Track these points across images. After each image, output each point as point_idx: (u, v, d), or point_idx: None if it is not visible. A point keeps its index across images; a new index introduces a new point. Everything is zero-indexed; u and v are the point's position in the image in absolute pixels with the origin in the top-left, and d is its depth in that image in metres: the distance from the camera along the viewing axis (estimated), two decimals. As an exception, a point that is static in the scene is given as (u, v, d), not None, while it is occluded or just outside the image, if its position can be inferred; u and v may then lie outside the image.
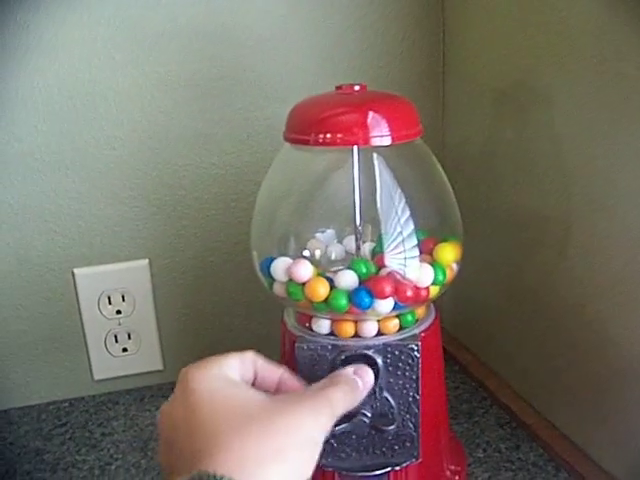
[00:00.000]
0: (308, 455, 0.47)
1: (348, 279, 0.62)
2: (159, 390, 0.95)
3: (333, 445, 0.67)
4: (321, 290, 0.62)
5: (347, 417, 0.64)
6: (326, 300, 0.62)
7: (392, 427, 0.65)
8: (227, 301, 0.96)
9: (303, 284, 0.63)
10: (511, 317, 0.86)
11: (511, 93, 0.80)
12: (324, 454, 0.67)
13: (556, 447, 0.76)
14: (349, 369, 0.58)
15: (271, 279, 0.66)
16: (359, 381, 0.57)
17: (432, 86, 0.96)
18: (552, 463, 0.75)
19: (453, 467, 0.73)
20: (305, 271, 0.62)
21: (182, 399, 0.50)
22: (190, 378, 0.50)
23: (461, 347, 0.99)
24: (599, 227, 0.68)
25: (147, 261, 0.91)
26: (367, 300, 0.61)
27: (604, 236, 0.68)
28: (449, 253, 0.65)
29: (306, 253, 0.65)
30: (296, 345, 0.64)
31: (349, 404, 0.54)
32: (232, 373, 0.52)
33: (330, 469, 0.67)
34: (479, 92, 0.86)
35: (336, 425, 0.64)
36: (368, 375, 0.58)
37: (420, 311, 0.67)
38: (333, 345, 0.64)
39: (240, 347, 0.96)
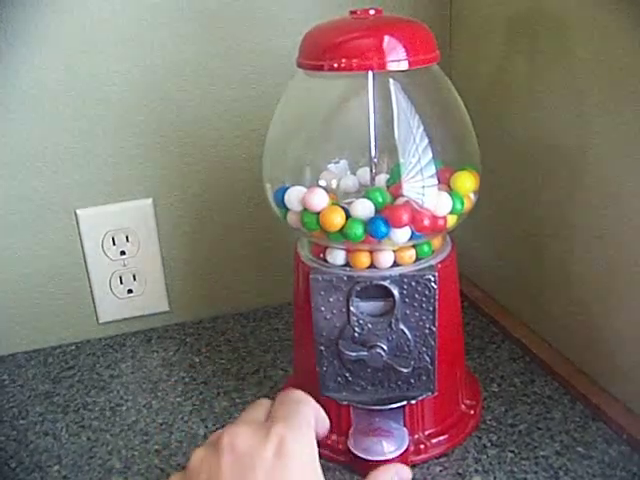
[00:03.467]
0: None
1: (364, 208, 0.61)
2: (166, 331, 0.94)
3: (348, 379, 0.66)
4: (337, 219, 0.60)
5: (364, 346, 0.64)
6: (341, 230, 0.61)
7: (408, 369, 0.64)
8: (233, 240, 0.94)
9: (318, 213, 0.61)
10: (524, 251, 0.85)
11: (524, 19, 0.77)
12: (340, 388, 0.67)
13: (572, 380, 0.76)
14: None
15: (285, 209, 0.64)
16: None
17: (438, 12, 0.92)
18: (568, 396, 0.75)
19: (468, 401, 0.73)
20: (320, 200, 0.61)
21: (273, 462, 0.42)
22: (236, 444, 0.43)
23: (470, 283, 0.98)
24: (616, 155, 0.67)
25: (151, 200, 0.89)
26: (383, 229, 0.60)
27: (621, 163, 0.66)
28: (467, 181, 0.63)
29: (322, 182, 0.64)
30: (310, 277, 0.63)
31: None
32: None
33: (345, 403, 0.66)
34: (489, 18, 0.83)
35: (353, 352, 0.63)
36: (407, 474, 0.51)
37: (437, 242, 0.66)
38: (348, 276, 0.63)
39: (245, 286, 0.97)
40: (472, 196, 0.65)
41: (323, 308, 0.64)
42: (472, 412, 0.72)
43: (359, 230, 0.60)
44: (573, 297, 0.77)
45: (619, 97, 0.65)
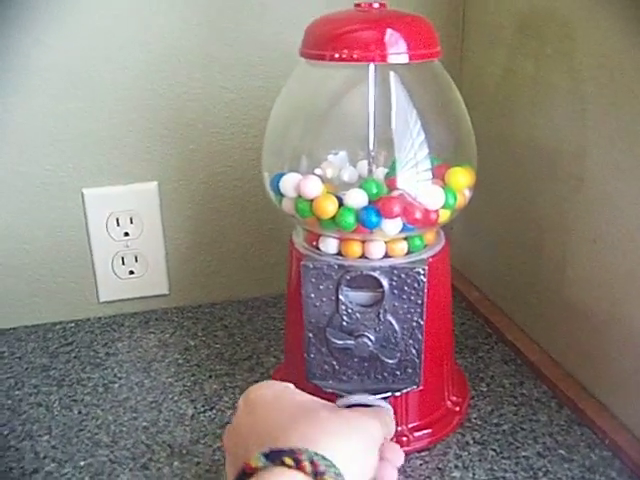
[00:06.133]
0: (370, 446, 0.48)
1: (357, 197, 0.61)
2: (164, 314, 0.95)
3: (335, 367, 0.67)
4: (329, 207, 0.61)
5: (351, 335, 0.64)
6: (334, 218, 0.61)
7: (394, 361, 0.65)
8: (235, 227, 0.95)
9: (312, 201, 0.62)
10: (520, 253, 0.85)
11: (533, 22, 0.77)
12: (326, 376, 0.67)
13: (560, 385, 0.76)
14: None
15: (280, 195, 0.65)
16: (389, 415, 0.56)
17: (453, 12, 0.93)
18: (555, 400, 0.75)
19: (455, 398, 0.73)
20: (314, 187, 0.62)
21: (245, 410, 0.51)
22: (251, 391, 0.52)
23: (468, 284, 0.98)
24: (612, 160, 0.67)
25: (156, 184, 0.90)
26: (374, 219, 0.60)
27: (617, 169, 0.66)
28: (461, 177, 0.64)
29: (317, 171, 0.64)
30: (302, 264, 0.64)
31: (389, 431, 0.54)
32: (290, 385, 0.54)
33: (330, 391, 0.67)
34: (500, 20, 0.84)
35: (340, 340, 0.64)
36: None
37: (429, 236, 0.67)
38: (339, 265, 0.63)
39: (246, 274, 0.97)
40: (466, 192, 0.66)
41: (313, 295, 0.65)
42: (457, 409, 0.72)
43: (351, 219, 0.61)
44: (566, 301, 0.77)
45: (619, 103, 0.65)
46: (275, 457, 0.42)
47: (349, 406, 0.57)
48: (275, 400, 0.50)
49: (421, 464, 0.66)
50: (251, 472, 0.42)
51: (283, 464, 0.41)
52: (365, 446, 0.47)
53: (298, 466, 0.41)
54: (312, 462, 0.41)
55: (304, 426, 0.46)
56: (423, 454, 0.68)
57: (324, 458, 0.42)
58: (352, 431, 0.47)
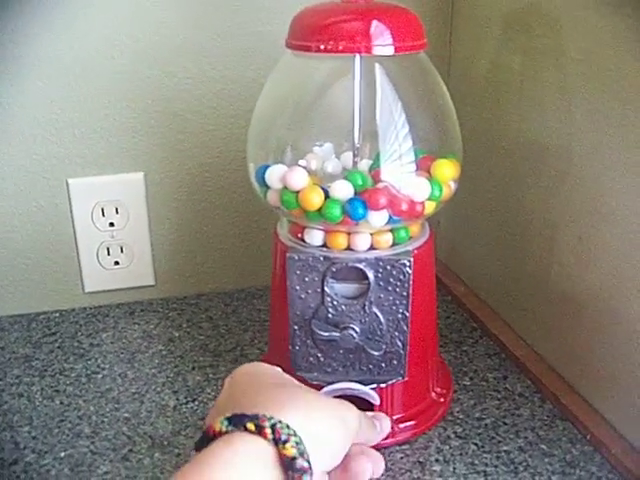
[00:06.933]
0: (338, 428, 0.47)
1: (343, 189, 0.61)
2: (150, 305, 0.95)
3: (320, 359, 0.67)
4: (315, 198, 0.61)
5: (336, 327, 0.64)
6: (320, 210, 0.61)
7: (379, 352, 0.65)
8: (221, 218, 0.95)
9: (297, 192, 0.62)
10: (507, 248, 0.85)
11: (521, 17, 0.77)
12: (311, 367, 0.67)
13: (544, 379, 0.76)
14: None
15: (265, 187, 0.65)
16: (378, 425, 0.55)
17: (442, 5, 0.93)
18: (538, 395, 0.75)
19: (439, 389, 0.73)
20: (300, 178, 0.61)
21: (227, 387, 0.50)
22: (237, 370, 0.52)
23: (455, 278, 0.98)
24: (598, 157, 0.67)
25: (142, 174, 0.90)
26: (361, 211, 0.60)
27: (605, 167, 0.66)
28: (446, 169, 0.64)
29: (302, 162, 0.64)
30: (287, 255, 0.64)
31: (369, 434, 0.53)
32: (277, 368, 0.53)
33: (316, 383, 0.67)
34: (489, 14, 0.84)
35: (325, 332, 0.64)
36: (386, 423, 0.56)
37: (414, 228, 0.67)
38: (325, 257, 0.63)
39: (231, 265, 0.97)
40: (452, 184, 0.66)
41: (298, 287, 0.65)
42: (442, 400, 0.73)
43: (337, 210, 0.61)
44: (552, 297, 0.77)
45: (605, 99, 0.65)
46: (238, 422, 0.42)
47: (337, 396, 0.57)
48: (256, 377, 0.50)
49: (402, 457, 0.66)
50: (214, 435, 0.42)
51: (245, 429, 0.41)
52: (333, 428, 0.46)
53: (260, 432, 0.41)
54: (274, 429, 0.41)
55: (274, 394, 0.46)
56: (404, 447, 0.68)
57: (288, 427, 0.42)
58: (326, 413, 0.46)
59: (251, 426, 0.41)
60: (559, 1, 0.70)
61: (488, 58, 0.85)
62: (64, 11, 0.81)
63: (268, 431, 0.41)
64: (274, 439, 0.41)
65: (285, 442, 0.41)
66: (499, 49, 0.82)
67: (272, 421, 0.41)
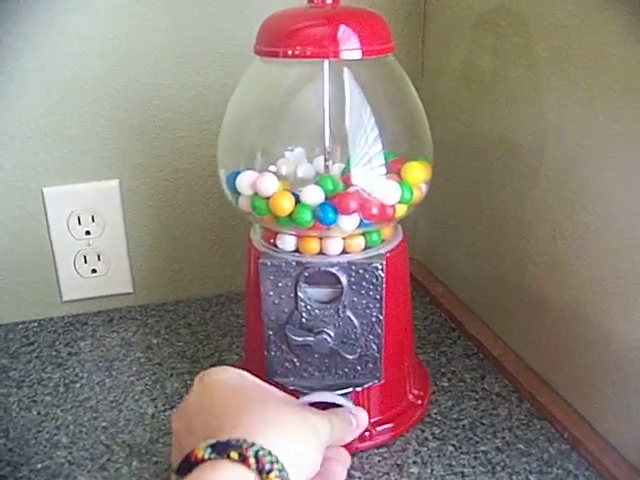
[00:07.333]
0: (313, 444, 0.48)
1: (313, 194, 0.61)
2: (128, 312, 0.94)
3: (296, 364, 0.67)
4: (286, 204, 0.61)
5: (311, 332, 0.64)
6: (291, 215, 0.61)
7: (354, 356, 0.65)
8: (197, 224, 0.94)
9: (268, 198, 0.62)
10: (483, 248, 0.85)
11: (491, 17, 0.78)
12: (287, 373, 0.67)
13: (521, 379, 0.76)
14: (346, 408, 0.58)
15: (236, 194, 0.65)
16: (354, 420, 0.56)
17: (413, 7, 0.93)
18: (516, 394, 0.76)
19: (417, 391, 0.74)
20: (270, 184, 0.61)
21: (197, 391, 0.51)
22: (206, 374, 0.52)
23: (433, 278, 0.98)
24: (570, 155, 0.67)
25: (117, 182, 0.89)
26: (332, 215, 0.60)
27: (578, 165, 0.67)
28: (417, 172, 0.64)
29: (272, 168, 0.64)
30: (260, 261, 0.64)
31: (342, 435, 0.54)
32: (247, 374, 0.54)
33: (292, 388, 0.67)
34: (460, 15, 0.84)
35: (300, 337, 0.64)
36: (363, 417, 0.58)
37: (387, 231, 0.67)
38: (297, 262, 0.63)
39: (209, 271, 0.97)
40: (423, 187, 0.66)
41: (272, 293, 0.65)
42: (419, 402, 0.73)
43: (308, 216, 0.61)
44: (527, 297, 0.77)
45: (576, 96, 0.65)
46: (222, 450, 0.42)
47: (312, 404, 0.57)
48: (228, 386, 0.50)
49: (379, 460, 0.67)
50: (196, 462, 0.42)
51: (229, 457, 0.41)
52: (309, 444, 0.47)
53: (243, 461, 0.41)
54: (257, 458, 0.41)
55: (254, 415, 0.46)
56: (382, 450, 0.68)
57: (270, 454, 0.42)
58: (302, 430, 0.47)
59: (235, 455, 0.41)
60: (528, 1, 0.71)
61: (460, 59, 0.85)
62: (33, 19, 0.81)
63: (252, 461, 0.41)
64: (257, 469, 0.41)
65: (269, 472, 0.41)
66: (471, 49, 0.83)
67: (254, 448, 0.42)
